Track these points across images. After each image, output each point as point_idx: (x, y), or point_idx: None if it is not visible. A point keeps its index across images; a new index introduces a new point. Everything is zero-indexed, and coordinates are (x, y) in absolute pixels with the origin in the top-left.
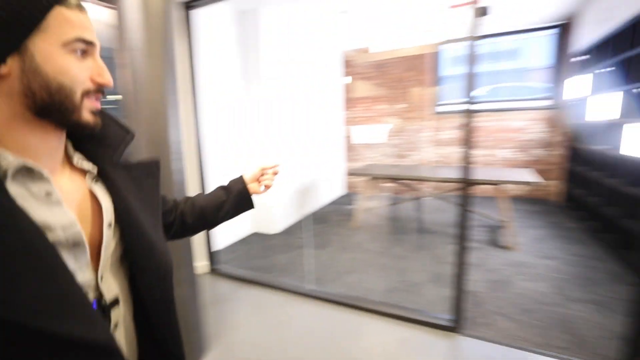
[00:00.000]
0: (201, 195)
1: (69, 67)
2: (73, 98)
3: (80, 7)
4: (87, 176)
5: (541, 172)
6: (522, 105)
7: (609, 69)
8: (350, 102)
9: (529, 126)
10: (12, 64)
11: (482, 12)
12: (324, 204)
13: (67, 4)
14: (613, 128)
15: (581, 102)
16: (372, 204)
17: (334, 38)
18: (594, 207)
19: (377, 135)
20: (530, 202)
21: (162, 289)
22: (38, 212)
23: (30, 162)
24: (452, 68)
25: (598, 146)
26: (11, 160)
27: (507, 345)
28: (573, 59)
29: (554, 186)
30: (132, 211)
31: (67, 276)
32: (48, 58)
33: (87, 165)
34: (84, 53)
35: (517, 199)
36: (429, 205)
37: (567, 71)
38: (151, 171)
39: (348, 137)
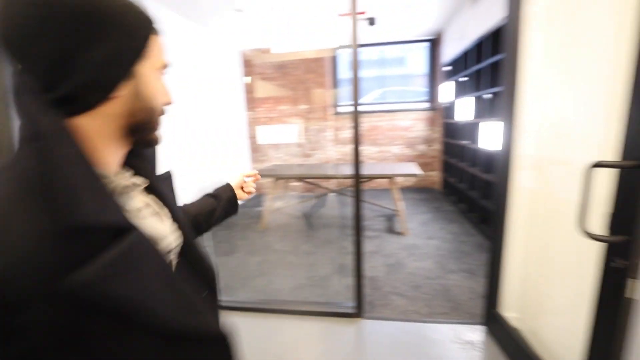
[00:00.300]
0: (190, 204)
1: (160, 89)
2: (157, 118)
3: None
4: (136, 189)
5: (424, 165)
6: (407, 107)
7: (465, 78)
8: (254, 102)
9: (414, 125)
10: (121, 88)
11: (371, 21)
12: None
13: (157, 32)
14: (473, 126)
15: (450, 105)
16: (280, 204)
17: (230, 37)
18: (463, 192)
19: (283, 135)
20: (418, 191)
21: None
22: (144, 226)
23: (136, 180)
24: (349, 72)
25: (463, 141)
26: (120, 180)
27: (402, 320)
28: (442, 68)
29: (435, 176)
30: (182, 216)
31: (180, 281)
32: (148, 82)
33: (139, 179)
34: (162, 73)
35: (407, 189)
36: (334, 200)
37: (438, 78)
38: (170, 182)
39: (253, 138)
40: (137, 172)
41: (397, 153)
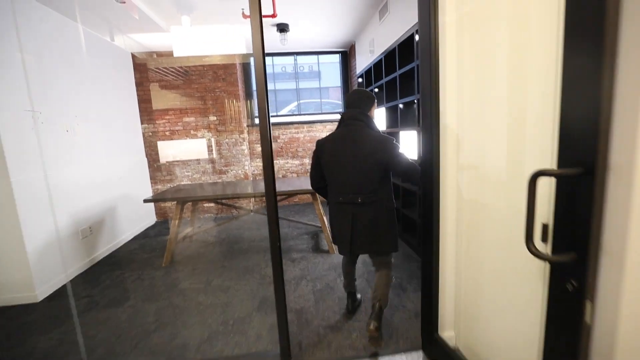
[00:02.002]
0: None
1: None
2: None
3: None
4: None
5: None
6: (324, 118)
7: (375, 90)
8: (153, 114)
9: None
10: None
11: (281, 28)
12: (125, 240)
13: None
14: (394, 136)
15: None
16: (189, 231)
17: (115, 36)
18: None
19: (191, 151)
20: None
21: None
22: None
23: None
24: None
25: None
26: None
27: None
28: (356, 80)
29: None
30: None
31: None
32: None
33: None
34: None
35: None
36: (255, 221)
37: (352, 89)
38: None
39: (155, 155)
40: None
41: None
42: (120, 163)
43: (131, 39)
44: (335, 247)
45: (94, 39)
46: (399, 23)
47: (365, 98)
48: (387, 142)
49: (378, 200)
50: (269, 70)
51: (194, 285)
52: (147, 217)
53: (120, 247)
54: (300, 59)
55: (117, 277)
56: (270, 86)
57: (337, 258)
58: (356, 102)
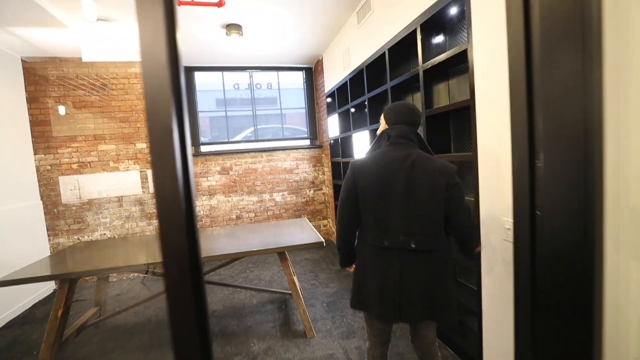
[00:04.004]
0: None
1: None
2: None
3: None
4: None
5: (314, 213)
6: (286, 144)
7: (351, 110)
8: (55, 140)
9: (297, 166)
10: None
11: (237, 29)
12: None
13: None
14: (347, 140)
15: (337, 141)
16: (94, 313)
17: None
18: None
19: (112, 188)
20: (310, 249)
21: None
22: None
23: None
24: (213, 102)
25: None
26: None
27: None
28: (324, 101)
29: (329, 226)
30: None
31: None
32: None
33: None
34: None
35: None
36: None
37: (321, 111)
38: None
39: (55, 195)
40: None
41: (280, 202)
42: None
43: (19, 37)
44: (312, 323)
45: None
46: (389, 22)
47: (417, 113)
48: (452, 173)
49: (436, 249)
50: (216, 87)
51: None
52: (38, 285)
53: None
54: (258, 77)
55: None
56: (220, 108)
57: (320, 347)
58: (405, 117)
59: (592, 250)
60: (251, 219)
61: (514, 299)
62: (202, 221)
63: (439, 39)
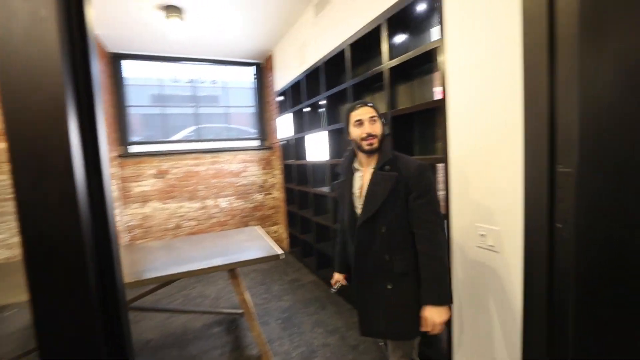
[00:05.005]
0: None
1: (354, 132)
2: (358, 143)
3: (358, 106)
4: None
5: (264, 219)
6: (233, 145)
7: (305, 110)
8: None
9: (245, 169)
10: (347, 136)
11: (177, 12)
12: None
13: (354, 109)
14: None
15: (290, 142)
16: None
17: None
18: (321, 251)
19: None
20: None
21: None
22: (354, 183)
23: (357, 166)
24: (144, 95)
25: (321, 187)
26: (356, 166)
27: None
28: (274, 99)
29: (280, 232)
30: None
31: (353, 208)
32: (352, 130)
33: (361, 168)
34: (359, 123)
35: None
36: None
37: (271, 110)
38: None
39: None
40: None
41: (226, 208)
42: None
43: None
44: (268, 349)
45: None
46: (351, 16)
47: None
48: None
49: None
50: (152, 82)
51: None
52: None
53: None
54: (201, 72)
55: None
56: (156, 104)
57: None
58: None
59: None
60: (192, 228)
61: (522, 322)
62: (130, 233)
63: (404, 36)
